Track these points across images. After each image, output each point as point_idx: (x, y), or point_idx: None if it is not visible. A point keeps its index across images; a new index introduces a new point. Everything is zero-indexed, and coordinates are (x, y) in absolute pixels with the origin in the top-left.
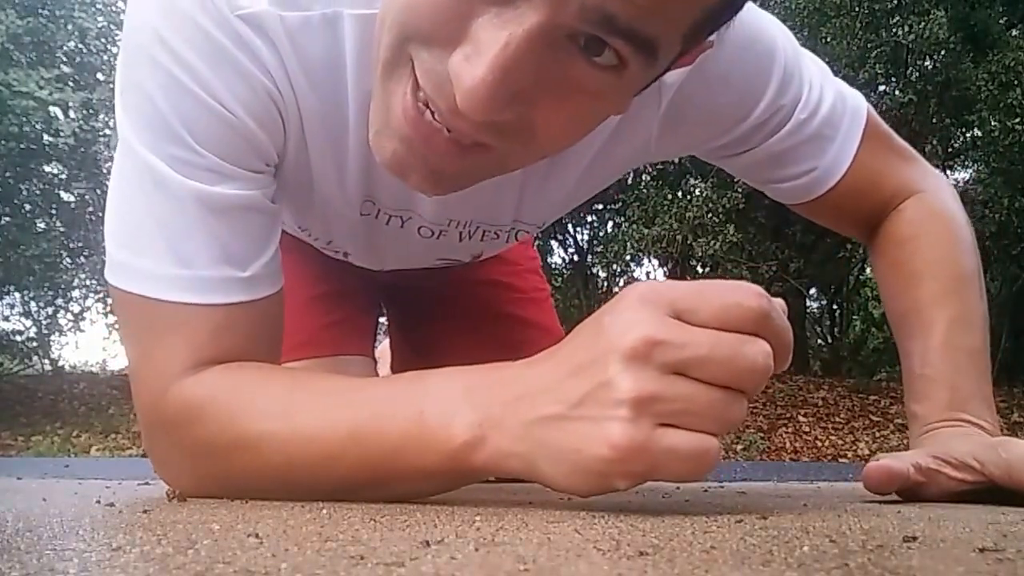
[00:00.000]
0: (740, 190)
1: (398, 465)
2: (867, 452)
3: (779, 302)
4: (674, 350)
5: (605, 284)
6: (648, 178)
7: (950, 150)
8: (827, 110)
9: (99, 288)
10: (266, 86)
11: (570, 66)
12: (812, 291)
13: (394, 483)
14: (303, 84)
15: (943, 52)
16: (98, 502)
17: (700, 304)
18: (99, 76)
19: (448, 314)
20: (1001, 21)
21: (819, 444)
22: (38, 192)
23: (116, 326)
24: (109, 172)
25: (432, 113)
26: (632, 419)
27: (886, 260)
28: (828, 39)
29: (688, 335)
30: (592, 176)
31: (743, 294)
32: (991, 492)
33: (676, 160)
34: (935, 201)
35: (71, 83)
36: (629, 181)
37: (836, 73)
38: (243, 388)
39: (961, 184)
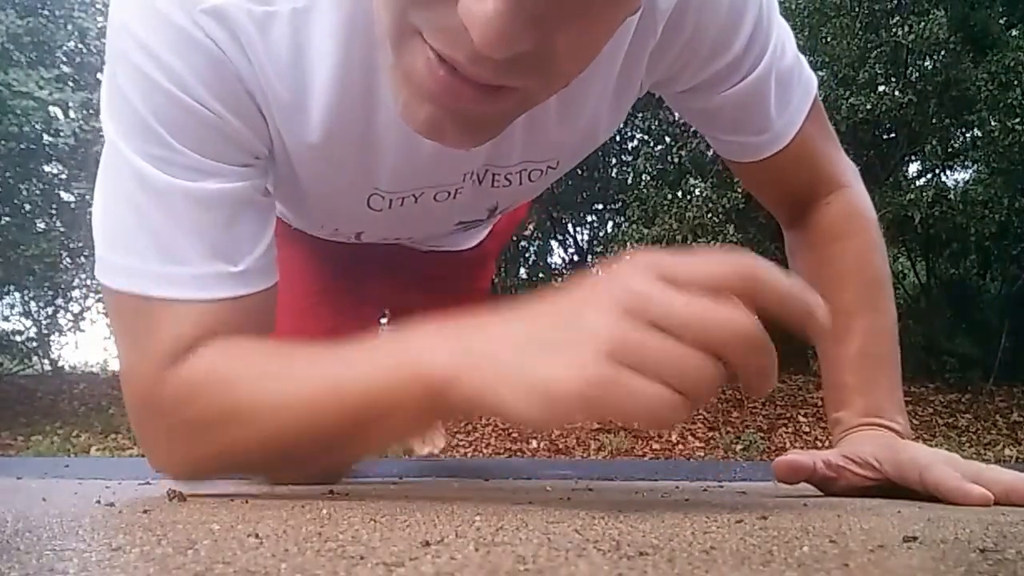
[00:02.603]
0: (740, 190)
1: (379, 405)
2: None
3: (773, 268)
4: (654, 305)
5: None
6: (648, 178)
7: (950, 150)
8: (787, 69)
9: (99, 288)
10: (241, 80)
11: None
12: None
13: (375, 426)
14: (272, 78)
15: (943, 52)
16: (98, 502)
17: (690, 269)
18: (99, 76)
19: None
20: (1001, 21)
21: (819, 444)
22: (38, 192)
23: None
24: None
25: (454, 69)
26: (602, 357)
27: (813, 256)
28: (828, 39)
29: (670, 295)
30: (591, 109)
31: (732, 260)
32: (894, 488)
33: (676, 160)
34: (859, 201)
35: (71, 83)
36: (629, 181)
37: (836, 73)
38: (233, 363)
39: (961, 184)
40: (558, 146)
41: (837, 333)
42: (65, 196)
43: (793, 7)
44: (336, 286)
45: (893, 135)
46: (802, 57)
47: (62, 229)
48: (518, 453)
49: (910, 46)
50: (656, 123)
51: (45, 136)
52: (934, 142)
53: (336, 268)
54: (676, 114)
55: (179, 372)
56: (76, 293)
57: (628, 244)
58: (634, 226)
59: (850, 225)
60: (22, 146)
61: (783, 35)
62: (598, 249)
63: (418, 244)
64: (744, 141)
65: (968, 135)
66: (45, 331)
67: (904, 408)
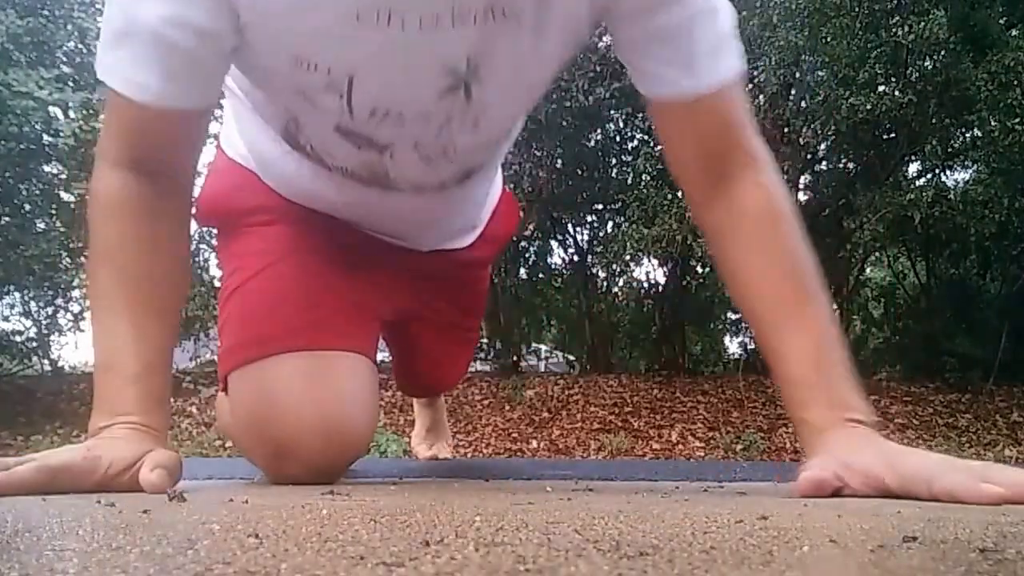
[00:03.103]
0: None
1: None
2: None
3: None
4: None
5: (605, 284)
6: (648, 178)
7: (950, 150)
8: (721, 29)
9: None
10: None
11: None
12: None
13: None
14: None
15: (943, 52)
16: (98, 502)
17: None
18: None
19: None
20: (1001, 21)
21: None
22: (38, 192)
23: None
24: None
25: None
26: None
27: (744, 241)
28: (828, 39)
29: None
30: None
31: None
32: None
33: None
34: (779, 183)
35: (71, 83)
36: (629, 181)
37: (836, 73)
38: (111, 237)
39: (961, 184)
40: None
41: (785, 326)
42: (65, 196)
43: (793, 7)
44: (340, 291)
45: (893, 135)
46: (738, 41)
47: (62, 229)
48: (518, 453)
49: (910, 46)
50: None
51: (45, 136)
52: (934, 142)
53: (339, 273)
54: None
55: (100, 179)
56: (76, 293)
57: (628, 244)
58: (634, 226)
59: (776, 207)
60: (22, 146)
61: (721, 5)
62: (598, 249)
63: (422, 180)
64: (670, 75)
65: (968, 135)
66: (45, 331)
67: (861, 391)
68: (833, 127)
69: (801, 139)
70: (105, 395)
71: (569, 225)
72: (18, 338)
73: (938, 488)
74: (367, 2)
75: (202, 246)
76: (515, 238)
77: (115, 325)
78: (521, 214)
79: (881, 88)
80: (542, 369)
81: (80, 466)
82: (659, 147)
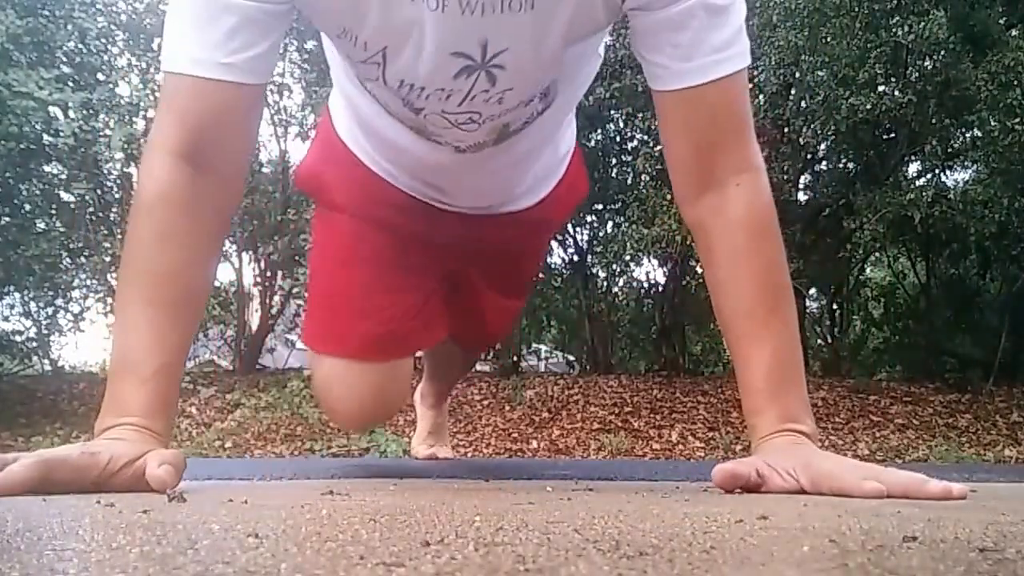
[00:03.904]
0: None
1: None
2: (867, 452)
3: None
4: None
5: (605, 284)
6: (648, 178)
7: (950, 150)
8: (733, 24)
9: (99, 288)
10: None
11: None
12: (812, 291)
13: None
14: None
15: (943, 52)
16: (98, 502)
17: None
18: (99, 76)
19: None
20: (1001, 21)
21: (819, 444)
22: (38, 192)
23: None
24: (109, 172)
25: None
26: None
27: (727, 252)
28: (828, 39)
29: None
30: None
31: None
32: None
33: None
34: (767, 194)
35: (71, 83)
36: (629, 181)
37: (836, 73)
38: (148, 230)
39: (961, 184)
40: None
41: (750, 336)
42: (65, 196)
43: (793, 7)
44: (378, 275)
45: (893, 135)
46: (747, 39)
47: (62, 229)
48: (518, 453)
49: (910, 46)
50: (656, 123)
51: (45, 136)
52: (934, 142)
53: (402, 274)
54: None
55: (152, 170)
56: (76, 293)
57: (628, 244)
58: (634, 226)
59: (760, 220)
60: (22, 146)
61: (734, 3)
62: (598, 249)
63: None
64: (674, 66)
65: (968, 135)
66: (45, 331)
67: (809, 407)
68: (833, 127)
69: (801, 139)
70: (116, 395)
71: (569, 225)
72: (18, 338)
73: (835, 486)
74: None
75: None
76: None
77: (135, 324)
78: (585, 183)
79: (881, 88)
80: (542, 369)
81: (77, 461)
82: (659, 147)
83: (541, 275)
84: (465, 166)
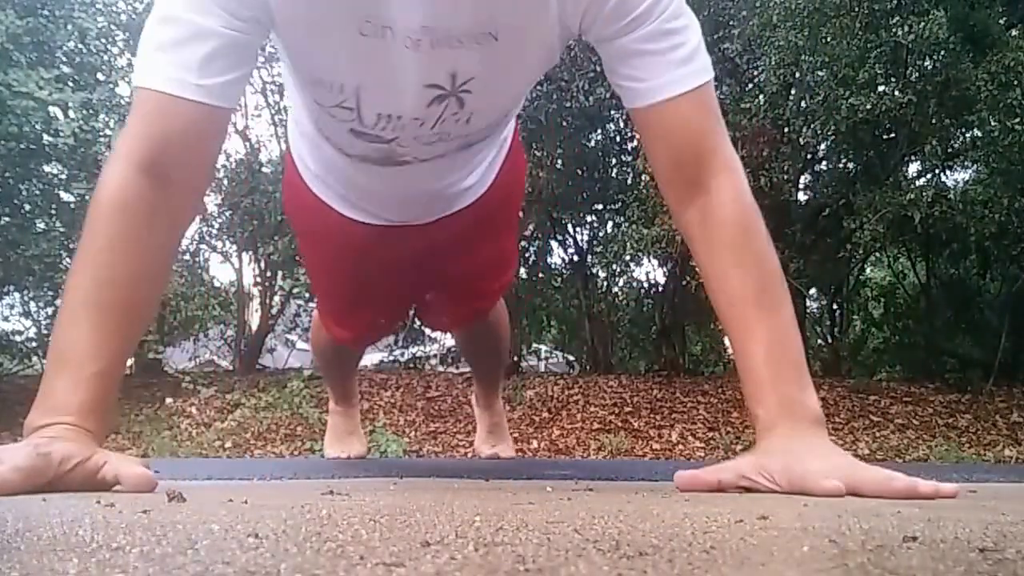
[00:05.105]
0: None
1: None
2: (867, 452)
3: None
4: None
5: (605, 284)
6: (648, 178)
7: (950, 150)
8: (691, 43)
9: None
10: None
11: None
12: (812, 291)
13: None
14: None
15: (943, 52)
16: (98, 502)
17: None
18: (99, 76)
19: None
20: (1001, 21)
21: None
22: (38, 192)
23: None
24: None
25: None
26: None
27: (716, 248)
28: (828, 39)
29: None
30: None
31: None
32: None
33: None
34: (747, 190)
35: (71, 83)
36: (629, 181)
37: (836, 73)
38: (100, 235)
39: (961, 184)
40: (481, 16)
41: (747, 326)
42: (65, 196)
43: (793, 7)
44: (365, 289)
45: (893, 135)
46: (706, 55)
47: (62, 229)
48: (518, 453)
49: (910, 46)
50: None
51: (45, 136)
52: (934, 142)
53: (366, 273)
54: None
55: (113, 177)
56: None
57: (628, 244)
58: (634, 226)
59: (745, 216)
60: (22, 146)
61: (690, 23)
62: (598, 249)
63: (420, 148)
64: (642, 88)
65: (968, 135)
66: (45, 331)
67: (811, 388)
68: (833, 127)
69: (801, 139)
70: (51, 393)
71: (569, 225)
72: (18, 338)
73: (805, 487)
74: (366, 20)
75: (202, 246)
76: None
77: (77, 323)
78: (526, 161)
79: (881, 88)
80: (542, 369)
81: (34, 464)
82: None
83: (540, 274)
84: (427, 173)
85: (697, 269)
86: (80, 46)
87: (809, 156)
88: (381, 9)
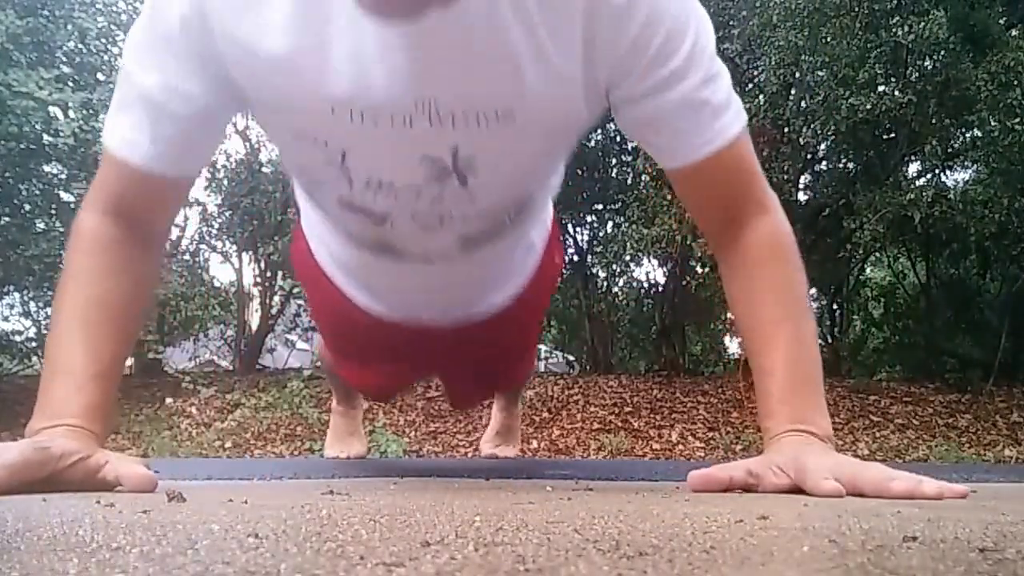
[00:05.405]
0: None
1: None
2: (867, 452)
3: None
4: None
5: (605, 284)
6: (648, 178)
7: (950, 150)
8: (724, 93)
9: None
10: (191, 13)
11: None
12: (812, 291)
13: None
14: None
15: (943, 52)
16: (98, 502)
17: None
18: (99, 76)
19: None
20: (1001, 21)
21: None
22: (38, 192)
23: None
24: None
25: None
26: None
27: (744, 277)
28: (828, 39)
29: None
30: (509, 51)
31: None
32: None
33: None
34: (783, 228)
35: (71, 83)
36: (629, 181)
37: (836, 73)
38: (82, 267)
39: (961, 184)
40: (490, 89)
41: (765, 346)
42: (65, 196)
43: (793, 7)
44: (373, 362)
45: (893, 135)
46: (736, 98)
47: (62, 229)
48: (518, 453)
49: (910, 46)
50: None
51: (45, 136)
52: (934, 142)
53: (374, 352)
54: None
55: (82, 220)
56: None
57: (628, 244)
58: (634, 226)
59: (775, 250)
60: (22, 146)
61: (721, 69)
62: (598, 249)
63: (420, 241)
64: (680, 147)
65: (968, 135)
66: (45, 331)
67: (825, 410)
68: (833, 127)
69: (801, 139)
70: (50, 400)
71: (569, 225)
72: (18, 338)
73: (805, 484)
74: (340, 100)
75: (202, 246)
76: None
77: (70, 339)
78: (563, 259)
79: (881, 88)
80: (542, 369)
81: (29, 458)
82: None
83: None
84: (434, 278)
85: (701, 267)
86: (80, 46)
87: (809, 156)
88: (360, 90)
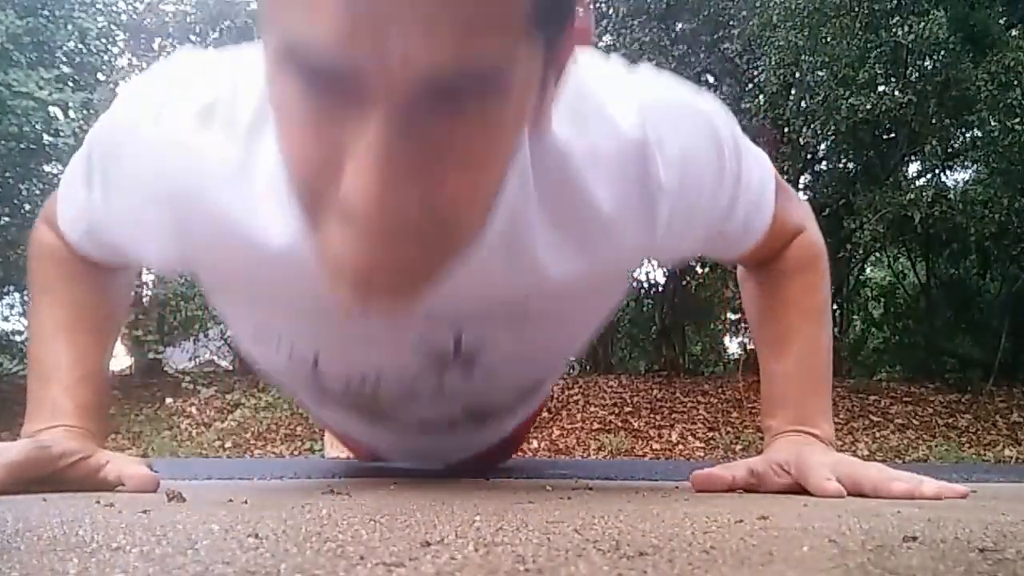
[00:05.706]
0: None
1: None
2: (867, 452)
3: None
4: None
5: None
6: None
7: (950, 150)
8: (757, 182)
9: None
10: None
11: (444, 133)
12: None
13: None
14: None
15: (943, 52)
16: (98, 502)
17: None
18: (99, 76)
19: None
20: (1001, 21)
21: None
22: (38, 192)
23: None
24: None
25: None
26: None
27: (763, 286)
28: (828, 39)
29: None
30: (530, 254)
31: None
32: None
33: None
34: (812, 241)
35: (71, 83)
36: None
37: (836, 73)
38: (46, 260)
39: (961, 184)
40: (511, 291)
41: (777, 352)
42: None
43: (793, 7)
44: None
45: (893, 135)
46: (759, 153)
47: None
48: (518, 453)
49: (910, 46)
50: None
51: (45, 136)
52: (934, 142)
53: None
54: None
55: (44, 233)
56: None
57: None
58: None
59: (801, 264)
60: (22, 146)
61: (745, 146)
62: None
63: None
64: (728, 248)
65: (968, 135)
66: None
67: (830, 415)
68: (833, 127)
69: (801, 139)
70: (42, 402)
71: None
72: (18, 338)
73: (806, 482)
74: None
75: None
76: None
77: (53, 343)
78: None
79: (881, 88)
80: None
81: (28, 456)
82: None
83: None
84: (432, 443)
85: (701, 267)
86: (80, 46)
87: (809, 156)
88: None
